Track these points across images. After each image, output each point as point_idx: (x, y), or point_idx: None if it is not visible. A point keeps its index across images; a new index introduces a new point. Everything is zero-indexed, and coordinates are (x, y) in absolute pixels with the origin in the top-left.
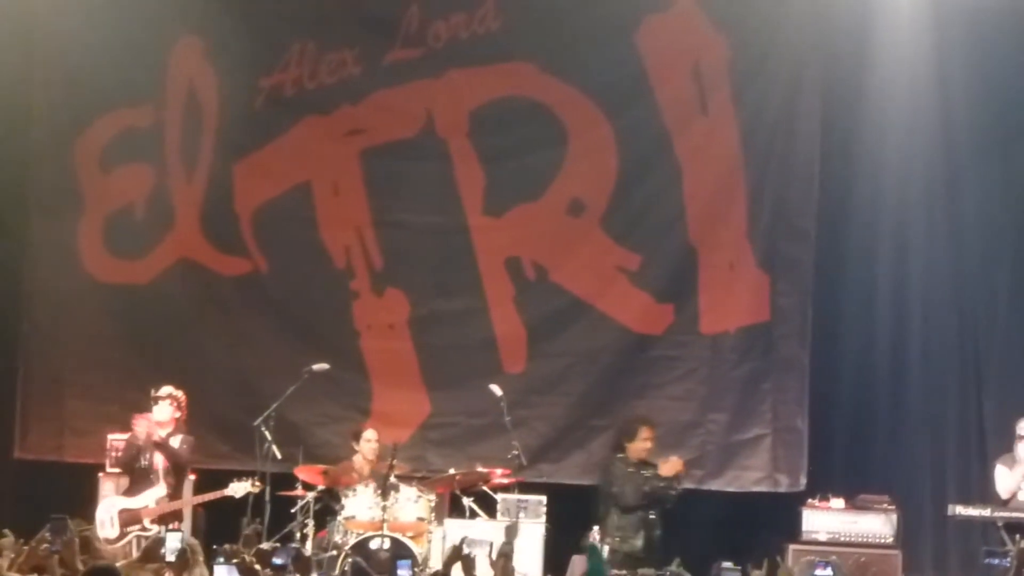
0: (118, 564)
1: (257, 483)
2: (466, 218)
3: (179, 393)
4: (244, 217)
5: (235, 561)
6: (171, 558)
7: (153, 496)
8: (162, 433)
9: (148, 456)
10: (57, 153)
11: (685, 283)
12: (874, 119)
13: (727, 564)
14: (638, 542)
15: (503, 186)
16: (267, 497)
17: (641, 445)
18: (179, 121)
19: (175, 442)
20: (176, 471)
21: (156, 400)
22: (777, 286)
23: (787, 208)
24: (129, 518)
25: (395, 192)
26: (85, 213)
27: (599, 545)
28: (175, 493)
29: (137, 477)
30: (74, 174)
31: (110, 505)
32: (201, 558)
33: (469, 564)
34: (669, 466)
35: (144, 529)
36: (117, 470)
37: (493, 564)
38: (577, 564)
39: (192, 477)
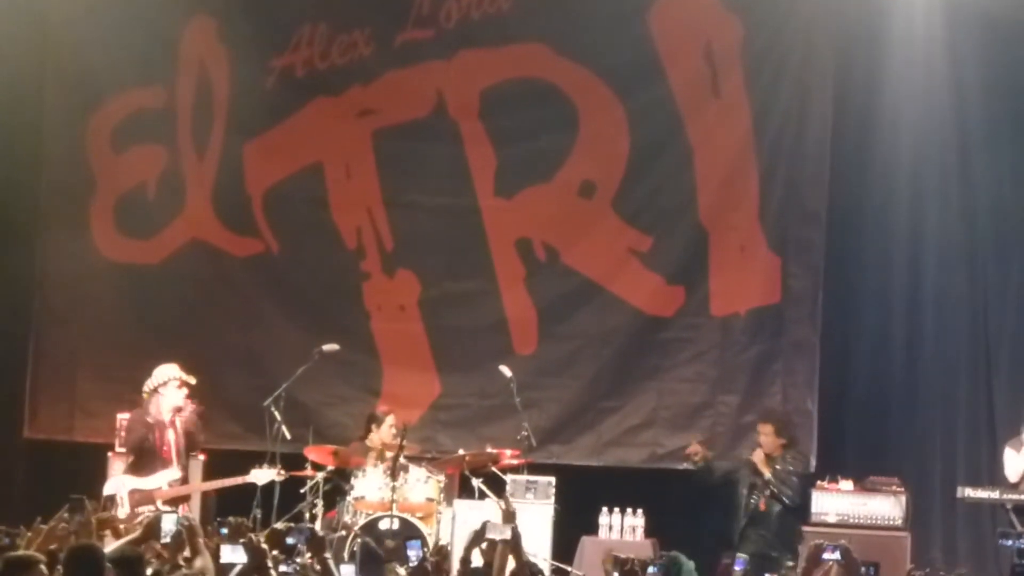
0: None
1: (282, 471)
2: (477, 199)
3: (179, 371)
4: (255, 198)
5: (242, 540)
6: (166, 540)
7: (167, 478)
8: (168, 416)
9: (158, 435)
10: (69, 134)
11: (696, 265)
12: (887, 101)
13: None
14: None
15: (514, 167)
16: (268, 461)
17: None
18: (190, 102)
19: (185, 422)
20: (188, 452)
21: (164, 384)
22: (788, 268)
23: (799, 190)
24: (141, 498)
25: (406, 173)
26: (97, 193)
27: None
28: (186, 474)
29: (147, 457)
30: (86, 155)
31: (119, 484)
32: (201, 540)
33: (492, 548)
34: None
35: (156, 510)
36: (124, 450)
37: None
38: (587, 546)
39: (202, 458)
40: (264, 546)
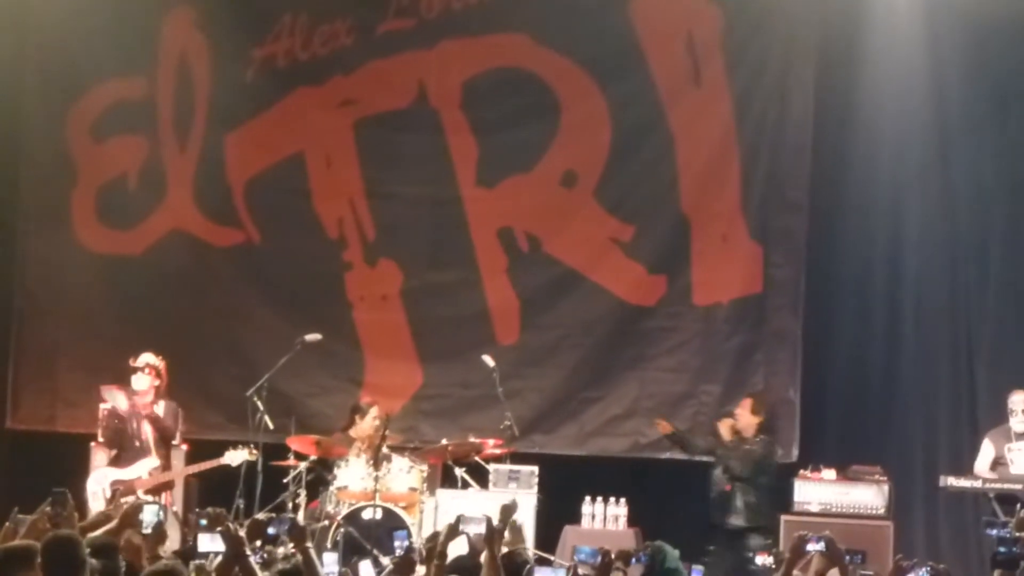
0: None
1: (254, 451)
2: (459, 189)
3: (157, 361)
4: (237, 188)
5: (219, 529)
6: (147, 531)
7: (146, 467)
8: (145, 401)
9: (135, 426)
10: (49, 124)
11: (678, 254)
12: (868, 91)
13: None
14: None
15: (496, 157)
16: (259, 467)
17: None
18: (171, 92)
19: (159, 410)
20: (165, 441)
21: (134, 370)
22: (770, 258)
23: (781, 179)
24: (125, 489)
25: (388, 163)
26: (78, 184)
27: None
28: (167, 463)
29: (126, 448)
30: (66, 145)
31: (102, 476)
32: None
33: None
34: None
35: (138, 499)
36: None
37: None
38: (570, 535)
39: (184, 447)
40: (242, 534)
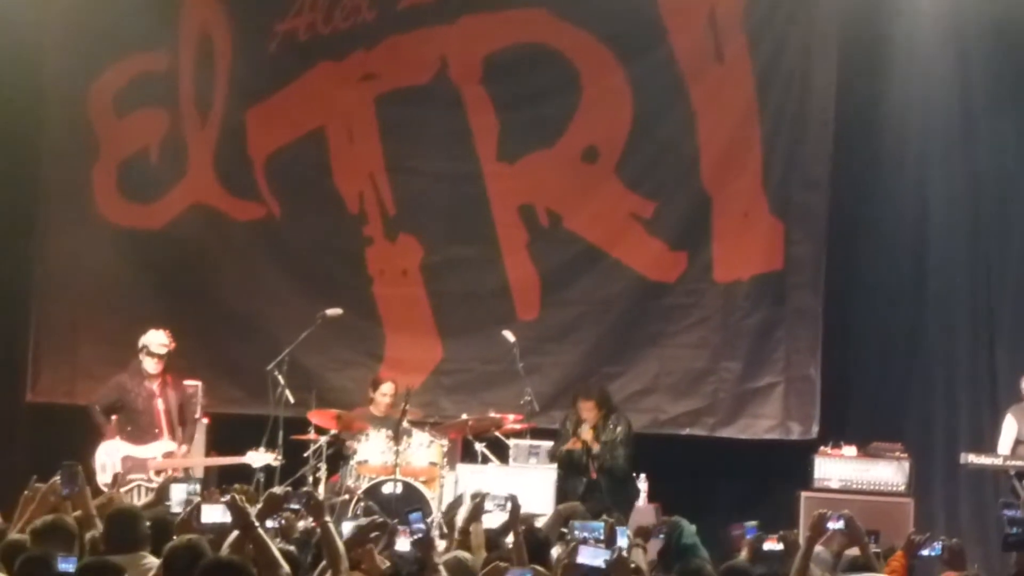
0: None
1: (279, 457)
2: (480, 165)
3: (167, 339)
4: (258, 162)
5: (224, 500)
6: (177, 509)
7: (160, 449)
8: (156, 386)
9: (143, 403)
10: (71, 98)
11: (699, 231)
12: (892, 69)
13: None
14: None
15: (517, 133)
16: (280, 440)
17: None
18: (193, 66)
19: (173, 396)
20: (182, 423)
21: (141, 352)
22: (791, 234)
23: (802, 156)
24: (133, 466)
25: (409, 138)
26: (99, 158)
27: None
28: (185, 442)
29: (132, 422)
30: (88, 119)
31: (113, 449)
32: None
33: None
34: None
35: (149, 480)
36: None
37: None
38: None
39: (206, 421)
40: (247, 507)
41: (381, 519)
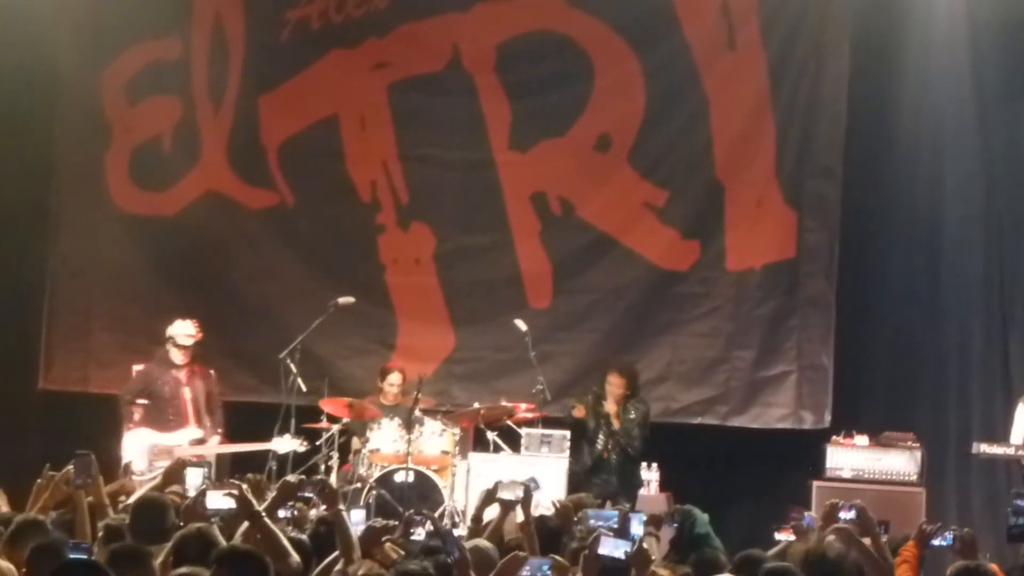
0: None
1: (304, 443)
2: (492, 153)
3: (194, 330)
4: (271, 150)
5: (229, 492)
6: (193, 493)
7: (188, 436)
8: (184, 374)
9: (170, 391)
10: (84, 85)
11: (712, 219)
12: (905, 56)
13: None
14: None
15: (530, 121)
16: (292, 430)
17: None
18: (206, 53)
19: (201, 384)
20: (209, 410)
21: (169, 343)
22: (804, 223)
23: (815, 145)
24: (160, 452)
25: (422, 126)
26: (112, 145)
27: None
28: (211, 431)
29: (159, 411)
30: (101, 106)
31: (141, 437)
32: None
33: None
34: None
35: (178, 461)
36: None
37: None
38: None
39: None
40: (251, 497)
41: (392, 523)
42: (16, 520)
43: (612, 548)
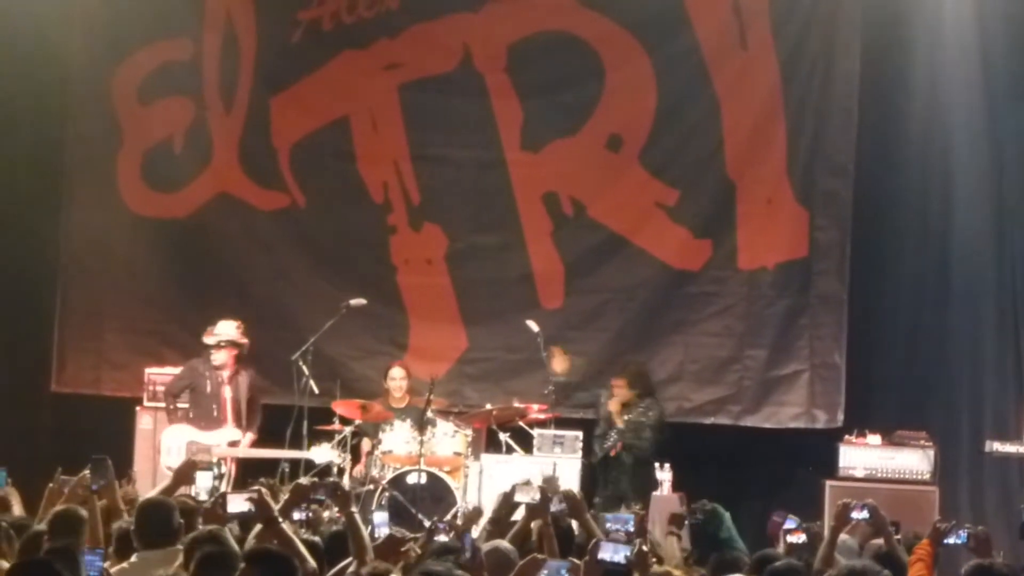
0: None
1: (343, 454)
2: (504, 153)
3: (235, 333)
4: (282, 151)
5: (247, 496)
6: (204, 497)
7: (226, 436)
8: (227, 374)
9: (211, 390)
10: (95, 87)
11: (723, 218)
12: (915, 54)
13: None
14: None
15: (541, 121)
16: (304, 431)
17: None
18: (217, 54)
19: (243, 385)
20: (250, 413)
21: (213, 346)
22: (816, 221)
23: (826, 143)
24: (198, 451)
25: (433, 127)
26: (123, 146)
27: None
28: (248, 430)
29: (199, 408)
30: (112, 107)
31: (179, 433)
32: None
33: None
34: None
35: (191, 460)
36: (160, 404)
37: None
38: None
39: None
40: (270, 501)
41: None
42: (26, 533)
43: (612, 553)
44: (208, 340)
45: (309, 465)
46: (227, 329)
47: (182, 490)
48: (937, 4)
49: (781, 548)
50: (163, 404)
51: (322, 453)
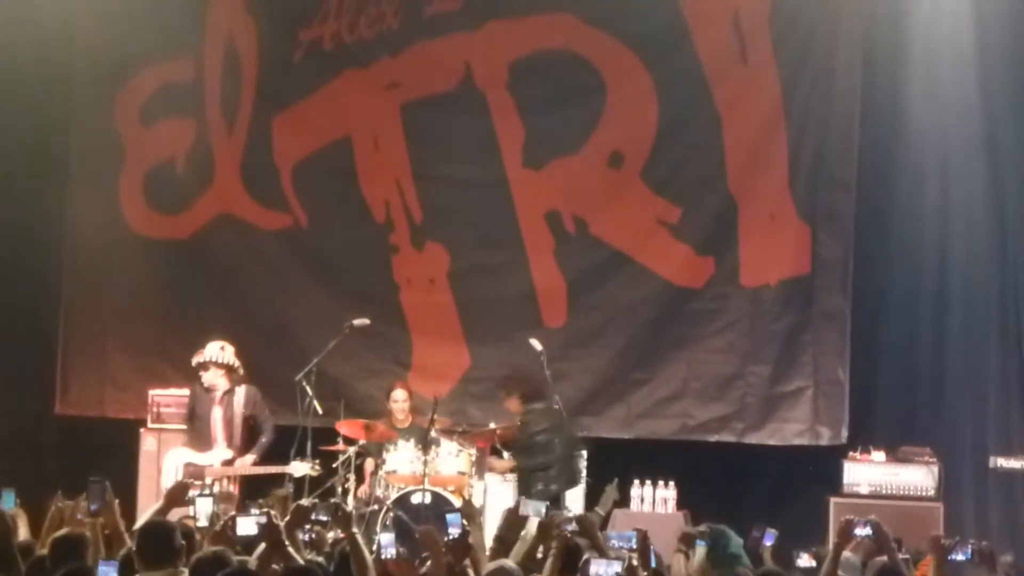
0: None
1: (317, 467)
2: (506, 171)
3: (220, 353)
4: (284, 171)
5: (258, 518)
6: (203, 523)
7: (219, 456)
8: (218, 395)
9: (204, 410)
10: (98, 107)
11: (726, 235)
12: (916, 70)
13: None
14: None
15: (543, 138)
16: (308, 451)
17: None
18: (219, 74)
19: (238, 399)
20: (249, 431)
21: (201, 367)
22: (818, 237)
23: (828, 159)
24: (193, 472)
25: (435, 145)
26: (126, 167)
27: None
28: (244, 448)
29: (195, 430)
30: (115, 128)
31: (177, 456)
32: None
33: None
34: None
35: (203, 486)
36: (164, 425)
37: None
38: (619, 518)
39: None
40: (279, 523)
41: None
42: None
43: (604, 569)
44: (194, 361)
45: (314, 485)
46: (211, 350)
47: (181, 512)
48: (937, 20)
49: (766, 562)
50: (167, 425)
51: (298, 467)
